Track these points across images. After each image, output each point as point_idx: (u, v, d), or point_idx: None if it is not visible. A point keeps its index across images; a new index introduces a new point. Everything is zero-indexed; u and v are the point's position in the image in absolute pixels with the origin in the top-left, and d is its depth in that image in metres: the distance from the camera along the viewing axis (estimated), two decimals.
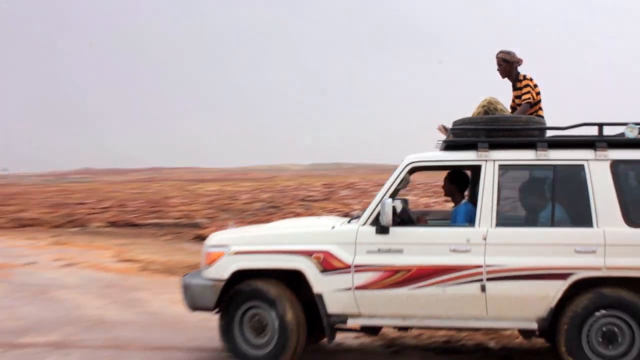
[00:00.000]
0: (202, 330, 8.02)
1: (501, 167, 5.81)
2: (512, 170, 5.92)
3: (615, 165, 5.63)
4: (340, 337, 7.10)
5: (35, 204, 38.95)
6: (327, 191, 47.22)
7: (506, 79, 6.94)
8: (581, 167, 5.68)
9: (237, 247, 6.06)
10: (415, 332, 7.68)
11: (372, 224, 5.79)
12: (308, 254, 5.87)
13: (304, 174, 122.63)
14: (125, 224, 29.17)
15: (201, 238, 22.51)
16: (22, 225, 26.94)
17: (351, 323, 5.98)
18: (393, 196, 5.87)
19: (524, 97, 6.65)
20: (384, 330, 7.49)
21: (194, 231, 24.64)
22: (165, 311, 9.30)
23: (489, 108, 6.36)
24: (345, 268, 5.78)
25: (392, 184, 5.96)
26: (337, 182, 63.40)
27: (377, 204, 5.79)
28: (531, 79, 6.78)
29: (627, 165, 5.70)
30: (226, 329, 6.09)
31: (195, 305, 6.24)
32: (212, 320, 8.52)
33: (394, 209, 5.65)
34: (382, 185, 5.98)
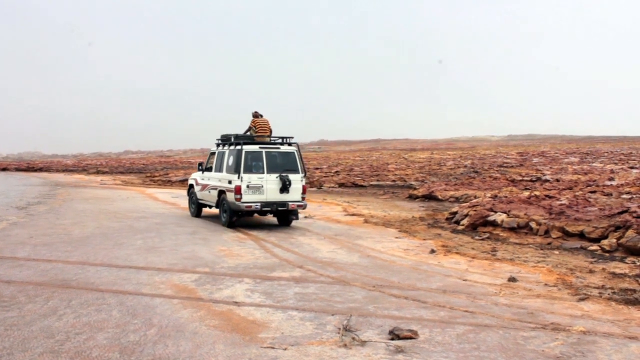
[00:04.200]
0: (413, 272, 9.34)
1: (219, 153, 15.98)
2: (220, 153, 15.90)
3: (235, 150, 14.70)
4: (534, 287, 8.01)
5: None
6: (521, 159, 46.74)
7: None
8: (231, 151, 15.01)
9: (192, 177, 18.34)
10: (599, 281, 8.33)
11: (201, 170, 17.04)
12: (194, 179, 17.79)
13: (501, 143, 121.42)
14: (351, 185, 32.28)
15: (414, 197, 24.00)
16: None
17: (201, 202, 17.08)
18: (206, 163, 16.97)
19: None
20: (571, 279, 8.40)
21: (408, 191, 26.47)
22: (382, 256, 10.80)
23: (250, 127, 15.59)
24: (198, 184, 17.25)
25: (206, 159, 17.04)
26: (530, 150, 63.82)
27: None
28: (253, 120, 15.50)
29: (237, 150, 14.58)
30: (190, 199, 18.26)
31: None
32: (423, 264, 9.85)
33: (203, 165, 17.11)
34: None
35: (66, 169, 67.12)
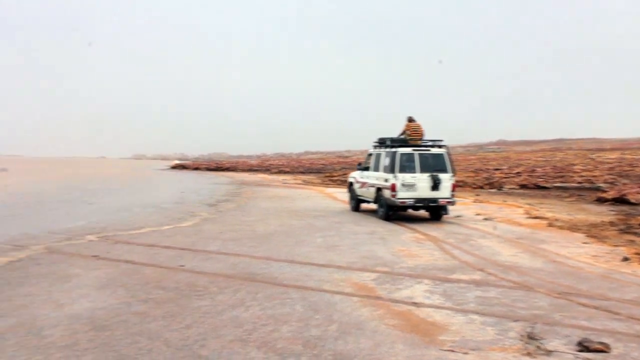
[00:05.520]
0: (604, 280, 8.73)
1: (376, 154, 18.02)
2: (377, 154, 17.96)
3: (391, 152, 16.63)
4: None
5: (461, 169, 42.52)
6: None
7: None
8: (387, 153, 16.96)
9: (352, 175, 20.25)
10: None
11: (361, 169, 19.02)
12: (354, 178, 19.78)
13: None
14: (533, 187, 30.95)
15: (602, 200, 22.37)
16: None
17: (359, 197, 19.18)
18: (364, 163, 19.05)
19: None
20: None
21: (596, 194, 24.68)
22: (569, 262, 10.20)
23: (404, 131, 17.59)
24: (357, 182, 19.24)
25: (365, 160, 19.07)
26: None
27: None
28: (407, 125, 17.53)
29: (392, 151, 16.57)
30: (350, 194, 20.23)
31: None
32: (615, 272, 9.19)
33: (361, 164, 19.33)
34: None
35: (250, 169, 71.13)
